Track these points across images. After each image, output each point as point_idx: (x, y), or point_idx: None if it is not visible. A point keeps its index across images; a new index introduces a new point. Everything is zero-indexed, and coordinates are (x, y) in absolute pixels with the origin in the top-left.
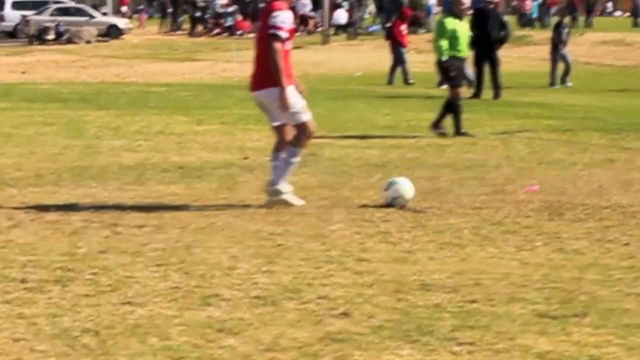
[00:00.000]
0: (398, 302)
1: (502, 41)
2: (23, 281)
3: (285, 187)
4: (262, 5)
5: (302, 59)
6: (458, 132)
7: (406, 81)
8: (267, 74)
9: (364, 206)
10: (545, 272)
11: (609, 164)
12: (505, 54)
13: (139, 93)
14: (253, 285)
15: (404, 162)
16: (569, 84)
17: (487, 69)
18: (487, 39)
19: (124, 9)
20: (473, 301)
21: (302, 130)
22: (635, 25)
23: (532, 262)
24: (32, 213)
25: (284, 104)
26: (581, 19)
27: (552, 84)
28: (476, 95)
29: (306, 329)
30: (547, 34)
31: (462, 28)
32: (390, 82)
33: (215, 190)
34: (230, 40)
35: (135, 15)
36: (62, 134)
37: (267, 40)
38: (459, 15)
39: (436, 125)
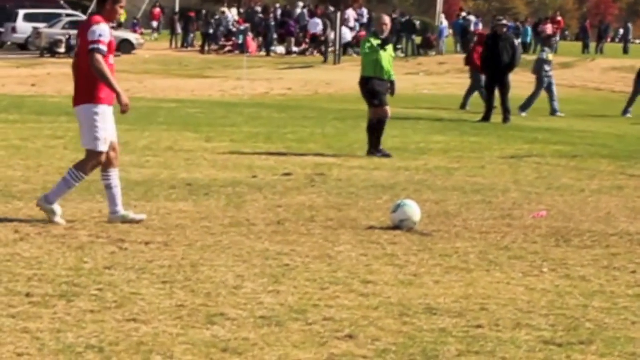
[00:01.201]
0: (403, 326)
1: (511, 65)
2: (28, 295)
3: (58, 209)
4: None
5: (313, 78)
6: (375, 150)
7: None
8: (82, 90)
9: (371, 228)
10: (552, 298)
11: (617, 191)
12: (516, 79)
13: (148, 109)
14: (258, 305)
15: (412, 184)
16: None
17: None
18: (499, 63)
19: (155, 24)
20: (479, 326)
21: (92, 159)
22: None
23: (538, 288)
24: (39, 227)
25: (125, 106)
26: (592, 45)
27: (625, 111)
28: (486, 118)
29: (311, 351)
30: (559, 59)
31: (386, 50)
32: (463, 106)
33: (223, 208)
34: (242, 58)
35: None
36: (70, 148)
37: (86, 55)
38: (380, 36)
39: (376, 148)
